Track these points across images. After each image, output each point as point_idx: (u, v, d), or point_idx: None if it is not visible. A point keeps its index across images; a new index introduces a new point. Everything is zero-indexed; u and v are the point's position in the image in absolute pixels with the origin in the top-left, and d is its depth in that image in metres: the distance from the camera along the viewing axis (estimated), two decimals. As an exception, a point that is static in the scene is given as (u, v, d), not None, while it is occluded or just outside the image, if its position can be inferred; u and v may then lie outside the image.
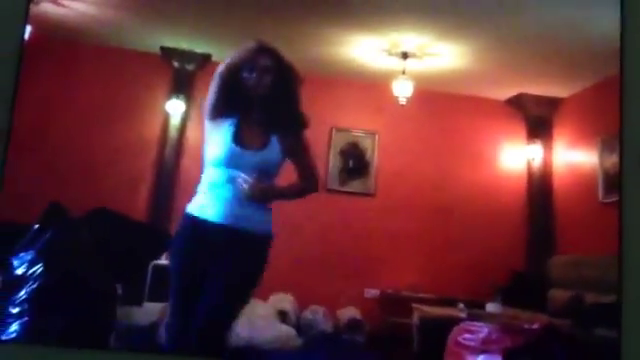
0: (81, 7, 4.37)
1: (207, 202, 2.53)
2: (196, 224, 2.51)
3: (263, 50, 2.59)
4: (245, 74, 2.55)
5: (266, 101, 2.58)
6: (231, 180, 2.50)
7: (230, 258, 2.48)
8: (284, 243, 4.79)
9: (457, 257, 4.99)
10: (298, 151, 2.69)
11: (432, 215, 5.08)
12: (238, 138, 2.55)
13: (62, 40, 4.80)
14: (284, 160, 2.62)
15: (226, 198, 2.51)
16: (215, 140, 2.57)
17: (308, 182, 2.77)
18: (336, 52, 4.63)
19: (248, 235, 2.50)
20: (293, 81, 2.68)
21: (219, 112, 2.57)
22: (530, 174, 5.23)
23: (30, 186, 4.24)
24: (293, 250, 4.61)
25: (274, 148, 2.58)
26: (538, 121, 5.25)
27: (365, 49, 4.59)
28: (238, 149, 2.52)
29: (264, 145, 2.57)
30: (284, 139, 2.60)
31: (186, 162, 4.94)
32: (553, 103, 5.17)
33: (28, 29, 1.73)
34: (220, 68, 2.60)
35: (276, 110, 2.61)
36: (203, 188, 2.58)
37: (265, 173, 2.54)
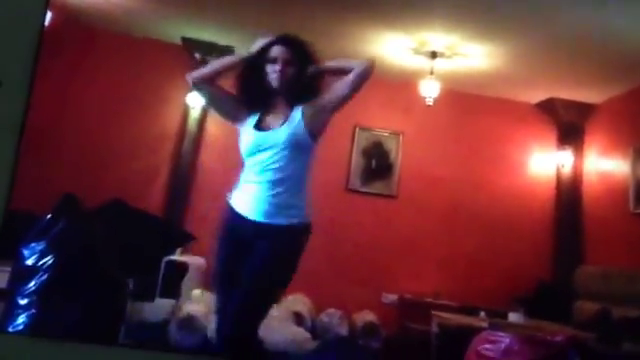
0: (106, -6, 4.36)
1: (240, 195, 2.47)
2: (233, 216, 2.47)
3: (284, 42, 2.52)
4: (268, 69, 2.49)
5: (289, 90, 2.50)
6: (262, 166, 2.46)
7: (259, 253, 2.42)
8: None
9: (480, 264, 4.90)
10: (318, 113, 2.56)
11: (456, 220, 4.98)
12: (260, 124, 2.50)
13: (82, 27, 4.78)
14: (311, 129, 2.49)
15: (256, 194, 2.45)
16: (243, 132, 2.52)
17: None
18: (362, 49, 4.55)
19: (280, 228, 2.43)
20: (314, 67, 2.56)
21: (244, 111, 2.55)
22: (559, 181, 5.12)
23: (45, 176, 4.22)
24: (310, 250, 4.54)
25: (294, 119, 2.49)
26: (569, 127, 5.14)
27: (392, 47, 4.50)
28: (260, 133, 2.47)
29: (284, 121, 2.49)
30: (303, 109, 2.49)
31: (204, 156, 4.94)
32: (585, 109, 5.06)
33: (49, 15, 1.68)
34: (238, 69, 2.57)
35: (298, 96, 2.52)
36: (241, 180, 2.51)
37: (297, 147, 2.46)
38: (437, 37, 4.33)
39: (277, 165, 2.47)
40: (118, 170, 4.53)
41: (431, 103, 4.57)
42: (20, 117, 1.61)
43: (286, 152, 2.46)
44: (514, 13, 3.94)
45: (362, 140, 4.99)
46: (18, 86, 1.56)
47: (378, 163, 5.01)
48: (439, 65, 4.58)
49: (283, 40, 2.54)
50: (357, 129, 4.98)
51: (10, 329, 2.61)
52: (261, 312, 2.48)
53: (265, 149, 2.47)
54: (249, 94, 2.59)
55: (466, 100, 5.04)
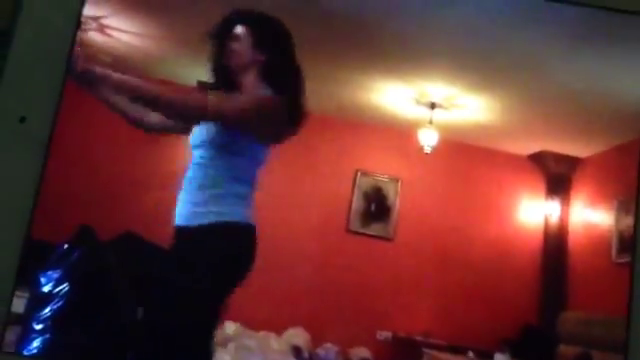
0: (125, 38, 4.51)
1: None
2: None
3: (235, 20, 2.29)
4: (219, 47, 2.28)
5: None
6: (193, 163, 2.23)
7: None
8: (303, 278, 4.90)
9: (470, 306, 5.03)
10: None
11: (448, 263, 5.11)
12: None
13: (102, 67, 4.91)
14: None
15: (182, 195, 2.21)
16: None
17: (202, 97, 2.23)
18: (366, 97, 4.74)
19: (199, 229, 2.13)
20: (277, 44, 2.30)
21: None
22: (547, 229, 5.29)
23: (63, 207, 4.35)
24: (310, 287, 4.70)
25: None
26: (558, 178, 5.33)
27: (394, 97, 4.69)
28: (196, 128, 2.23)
29: None
30: None
31: None
32: (573, 162, 5.23)
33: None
34: None
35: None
36: None
37: (220, 147, 2.17)
38: (436, 89, 4.52)
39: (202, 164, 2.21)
40: (131, 203, 4.68)
41: (429, 151, 4.76)
42: (42, 152, 1.68)
43: (212, 151, 2.19)
44: (509, 69, 4.12)
45: (363, 184, 5.14)
46: (41, 122, 1.59)
47: (377, 207, 5.17)
48: (438, 115, 4.76)
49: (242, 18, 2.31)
50: (359, 173, 5.13)
51: (25, 352, 2.66)
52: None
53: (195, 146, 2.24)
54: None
55: (462, 150, 5.20)
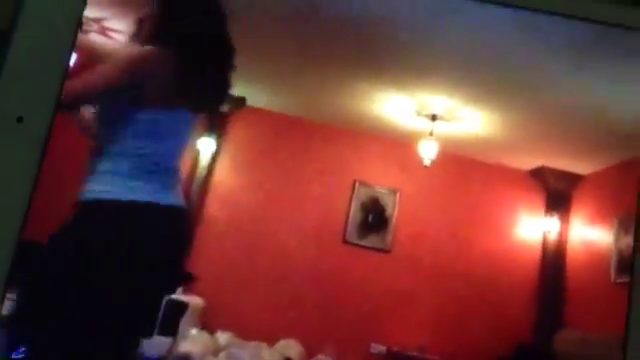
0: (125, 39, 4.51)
1: None
2: None
3: None
4: None
5: None
6: None
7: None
8: (297, 289, 4.86)
9: (465, 321, 5.01)
10: None
11: (444, 278, 5.10)
12: None
13: None
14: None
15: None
16: None
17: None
18: (367, 108, 4.72)
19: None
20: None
21: None
22: (545, 246, 5.26)
23: (53, 207, 4.33)
24: (303, 297, 4.68)
25: None
26: (557, 195, 5.31)
27: (395, 108, 4.68)
28: None
29: None
30: None
31: (211, 201, 5.01)
32: (573, 179, 5.23)
33: (74, 56, 1.71)
34: None
35: None
36: None
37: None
38: (438, 101, 4.50)
39: None
40: None
41: (429, 164, 4.74)
42: (39, 152, 1.67)
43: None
44: (512, 83, 4.11)
45: (361, 195, 5.12)
46: (38, 122, 1.57)
47: (375, 218, 5.14)
48: (438, 128, 4.74)
49: None
50: (357, 184, 5.12)
51: (13, 355, 2.68)
52: None
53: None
54: None
55: (462, 163, 5.20)
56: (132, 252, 1.90)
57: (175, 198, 1.99)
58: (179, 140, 2.04)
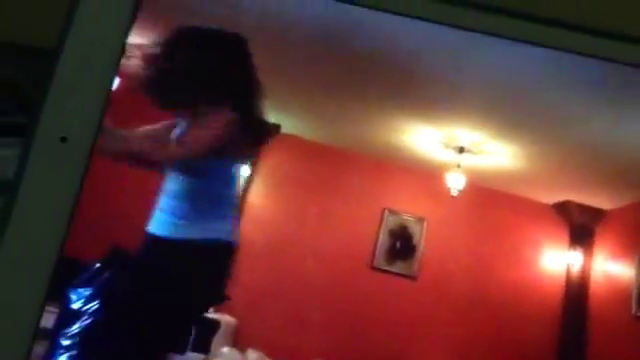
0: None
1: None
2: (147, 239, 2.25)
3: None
4: None
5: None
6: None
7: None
8: (325, 311, 4.96)
9: (488, 349, 5.05)
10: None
11: (468, 305, 5.16)
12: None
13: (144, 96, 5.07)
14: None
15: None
16: None
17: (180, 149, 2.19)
18: (397, 139, 4.84)
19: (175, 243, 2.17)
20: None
21: None
22: (568, 279, 5.28)
23: (97, 226, 4.46)
24: (333, 319, 4.75)
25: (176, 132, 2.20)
26: (581, 229, 5.35)
27: (424, 140, 4.78)
28: None
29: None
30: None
31: (245, 224, 4.90)
32: (597, 214, 5.28)
33: (117, 80, 1.77)
34: None
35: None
36: None
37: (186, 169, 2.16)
38: (465, 134, 4.62)
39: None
40: None
41: (456, 194, 4.87)
42: (81, 171, 1.69)
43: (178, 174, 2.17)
44: (539, 118, 4.20)
45: (390, 222, 5.20)
46: (82, 142, 1.60)
47: (402, 245, 5.23)
48: (466, 160, 4.85)
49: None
50: (386, 212, 5.21)
51: None
52: None
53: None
54: None
55: (488, 195, 5.26)
56: (190, 284, 2.13)
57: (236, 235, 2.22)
58: (237, 181, 2.26)
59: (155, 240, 2.22)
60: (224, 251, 2.24)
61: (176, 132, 2.27)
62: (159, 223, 2.25)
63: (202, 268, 2.18)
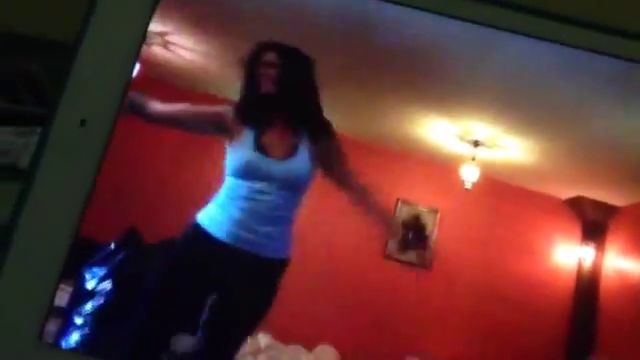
0: (188, 55, 4.72)
1: (218, 216, 2.29)
2: (201, 237, 2.28)
3: (267, 47, 2.35)
4: (251, 74, 2.32)
5: (281, 100, 2.36)
6: (250, 193, 2.25)
7: (232, 286, 2.25)
8: (337, 298, 5.04)
9: (498, 343, 5.08)
10: (333, 159, 2.40)
11: (479, 296, 5.17)
12: (260, 145, 2.29)
13: (165, 83, 5.15)
14: (314, 171, 2.32)
15: (239, 215, 2.25)
16: (235, 148, 2.33)
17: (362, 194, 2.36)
18: (413, 130, 4.87)
19: (257, 260, 2.26)
20: (305, 75, 2.36)
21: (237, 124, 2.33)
22: (580, 274, 5.27)
23: (115, 208, 4.53)
24: (345, 306, 4.81)
25: (303, 156, 2.32)
26: (593, 225, 5.34)
27: (440, 132, 4.82)
28: (261, 157, 2.27)
29: (291, 154, 2.31)
30: (313, 146, 2.34)
31: None
32: (610, 210, 5.27)
33: (137, 67, 1.86)
34: None
35: (297, 111, 2.39)
36: (219, 199, 2.33)
37: (292, 187, 2.30)
38: (480, 127, 4.62)
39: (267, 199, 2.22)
40: (183, 211, 4.81)
41: (469, 187, 4.91)
42: (99, 154, 1.77)
43: (283, 187, 2.26)
44: (554, 114, 4.20)
45: (403, 213, 5.24)
46: (101, 125, 1.74)
47: (415, 235, 5.25)
48: (480, 153, 4.87)
49: (264, 45, 2.33)
50: (399, 202, 5.24)
51: (63, 345, 2.69)
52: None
53: (262, 179, 2.24)
54: (241, 101, 2.36)
55: (501, 188, 5.27)
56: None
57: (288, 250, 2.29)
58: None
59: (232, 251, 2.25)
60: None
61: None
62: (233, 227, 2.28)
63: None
